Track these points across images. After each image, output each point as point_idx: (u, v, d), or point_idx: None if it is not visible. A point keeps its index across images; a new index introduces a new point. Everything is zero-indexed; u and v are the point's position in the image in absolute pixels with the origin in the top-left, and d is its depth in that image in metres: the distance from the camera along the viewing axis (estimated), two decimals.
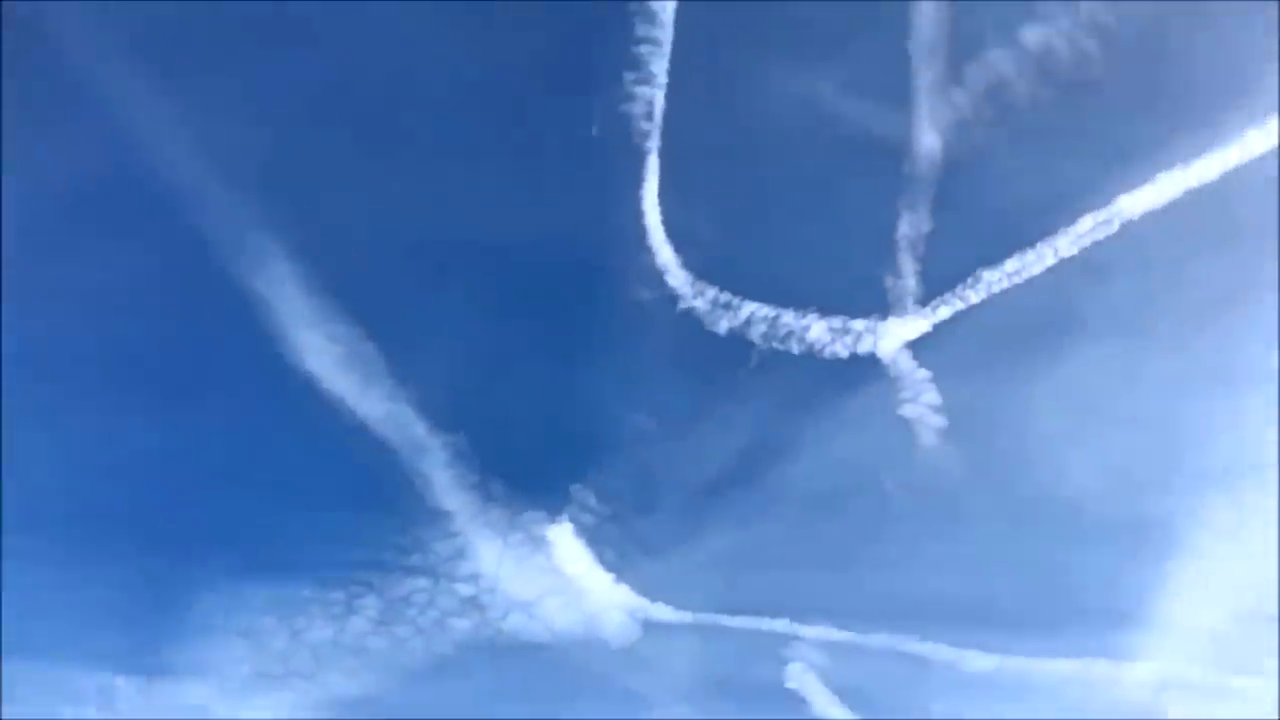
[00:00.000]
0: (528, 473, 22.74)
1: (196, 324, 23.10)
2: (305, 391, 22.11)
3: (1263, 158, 18.89)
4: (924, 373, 21.28)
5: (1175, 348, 20.61)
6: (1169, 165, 19.36)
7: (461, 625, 22.62)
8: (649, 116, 21.39)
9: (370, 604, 22.52)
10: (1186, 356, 20.47)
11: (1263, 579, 19.15)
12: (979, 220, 20.99)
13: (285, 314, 22.11)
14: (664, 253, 21.95)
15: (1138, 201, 19.63)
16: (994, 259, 20.58)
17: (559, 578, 22.41)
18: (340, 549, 22.80)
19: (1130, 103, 19.85)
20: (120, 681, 22.17)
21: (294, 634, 22.50)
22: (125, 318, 22.53)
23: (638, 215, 21.85)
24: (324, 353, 22.12)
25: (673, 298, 21.99)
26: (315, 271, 21.65)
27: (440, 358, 22.13)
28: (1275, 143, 18.73)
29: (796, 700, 21.19)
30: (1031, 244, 20.37)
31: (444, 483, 22.46)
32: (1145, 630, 19.95)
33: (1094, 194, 19.92)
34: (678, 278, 22.00)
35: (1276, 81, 18.72)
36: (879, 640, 21.33)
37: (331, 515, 22.78)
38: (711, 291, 21.86)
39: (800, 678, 21.40)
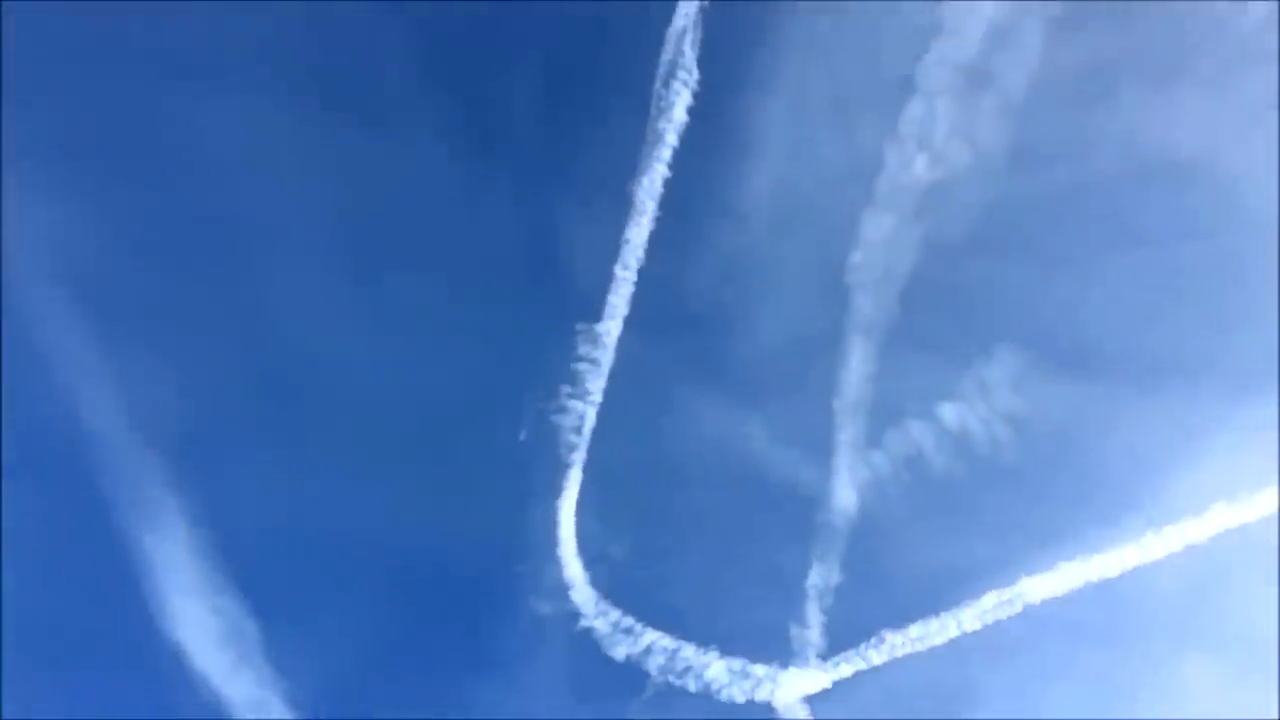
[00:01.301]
0: None
1: (68, 570, 21.89)
2: (171, 662, 20.87)
3: (1158, 563, 19.67)
4: None
5: None
6: (1071, 556, 20.04)
7: None
8: (578, 430, 21.70)
9: None
10: None
11: None
12: (887, 581, 21.27)
13: (168, 575, 21.14)
14: (572, 567, 21.71)
15: (1039, 586, 20.15)
16: (898, 622, 20.70)
17: None
18: None
19: (1039, 490, 20.70)
20: None
21: None
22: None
23: (552, 526, 21.75)
24: (201, 624, 21.02)
25: (574, 615, 21.59)
26: (210, 540, 20.94)
27: (322, 649, 21.11)
28: (1171, 550, 19.60)
29: None
30: (936, 613, 20.59)
31: None
32: None
33: (998, 573, 20.42)
34: (582, 594, 21.67)
35: (1177, 489, 19.79)
36: None
37: None
38: (615, 614, 21.50)
39: None
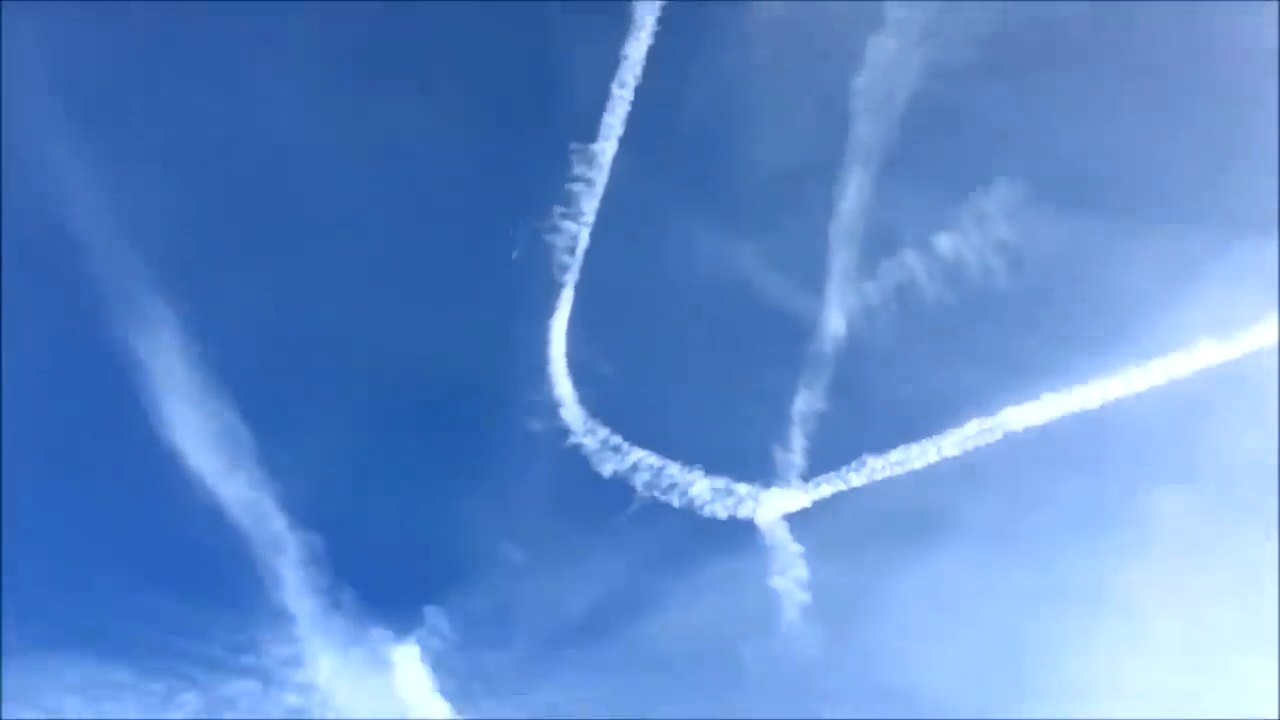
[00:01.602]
0: (383, 587, 21.97)
1: (64, 375, 22.15)
2: (165, 463, 21.27)
3: (1141, 395, 19.87)
4: (797, 547, 21.44)
5: (1036, 562, 21.14)
6: (1055, 386, 20.23)
7: None
8: (571, 251, 21.63)
9: (191, 700, 21.16)
10: (1046, 572, 21.01)
11: None
12: (871, 407, 21.55)
13: (162, 380, 21.40)
14: (562, 385, 21.95)
15: (1022, 415, 20.40)
16: (880, 447, 21.02)
17: (396, 702, 21.46)
18: (170, 635, 21.48)
19: (1028, 322, 20.78)
20: None
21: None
22: None
23: (543, 344, 21.90)
24: (196, 427, 21.36)
25: (563, 431, 21.92)
26: (202, 345, 21.11)
27: (314, 456, 21.48)
28: (1154, 383, 19.78)
29: None
30: (917, 439, 20.91)
31: (293, 583, 21.49)
32: None
33: (982, 401, 20.64)
34: (572, 412, 21.97)
35: (1166, 323, 19.87)
36: None
37: (166, 598, 21.57)
38: (603, 432, 21.84)
39: None
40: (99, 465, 22.14)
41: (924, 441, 20.90)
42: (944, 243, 20.82)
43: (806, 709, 21.50)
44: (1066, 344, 20.45)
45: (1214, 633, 19.68)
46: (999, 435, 20.50)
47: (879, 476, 21.05)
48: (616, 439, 21.81)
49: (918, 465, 20.89)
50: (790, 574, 21.45)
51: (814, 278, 21.36)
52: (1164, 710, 19.21)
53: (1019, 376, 20.43)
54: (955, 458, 20.71)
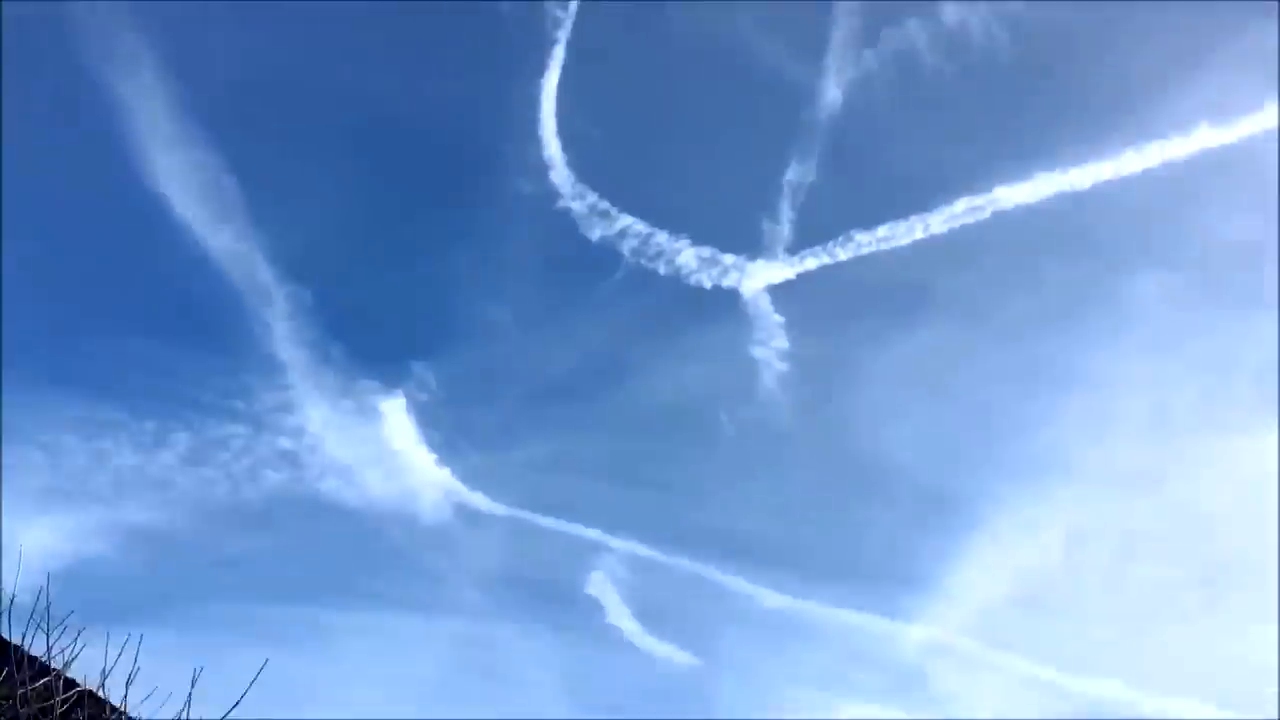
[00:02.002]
0: (371, 340, 22.35)
1: (50, 124, 21.72)
2: (154, 212, 21.17)
3: (1132, 179, 19.74)
4: (779, 318, 21.70)
5: (1012, 342, 21.58)
6: (1049, 166, 20.06)
7: (275, 478, 22.11)
8: (564, 6, 20.96)
9: (182, 440, 21.79)
10: (1020, 352, 21.48)
11: (1042, 570, 20.41)
12: (862, 181, 21.49)
13: (148, 128, 21.01)
14: (552, 147, 21.64)
15: (1013, 194, 20.30)
16: (868, 222, 20.92)
17: (383, 450, 22.11)
18: (161, 379, 21.90)
19: (1027, 100, 20.51)
20: None
21: (96, 456, 21.64)
22: None
23: (534, 104, 21.47)
24: (182, 177, 21.11)
25: (552, 194, 21.74)
26: (189, 92, 20.57)
27: (303, 210, 21.45)
28: (1149, 166, 19.63)
29: (593, 606, 21.46)
30: (906, 215, 20.83)
31: (282, 333, 21.69)
32: (928, 596, 21.04)
33: (974, 178, 20.49)
34: (561, 175, 21.75)
35: (1166, 106, 19.57)
36: (682, 564, 21.79)
37: (157, 343, 21.94)
38: (591, 196, 21.68)
39: (600, 586, 21.70)
40: (89, 212, 22.01)
41: (912, 218, 20.78)
42: (950, 11, 20.23)
43: (774, 476, 22.35)
44: (1064, 122, 20.28)
45: (1178, 415, 20.31)
46: (988, 214, 20.37)
47: (865, 252, 21.05)
48: (605, 204, 21.63)
49: (904, 242, 20.86)
50: (771, 344, 21.74)
51: (813, 45, 20.78)
52: (1124, 487, 20.05)
53: (1013, 154, 20.33)
54: (942, 235, 20.71)
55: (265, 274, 21.52)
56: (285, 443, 21.81)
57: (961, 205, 20.56)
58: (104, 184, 21.74)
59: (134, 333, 21.80)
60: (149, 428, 21.59)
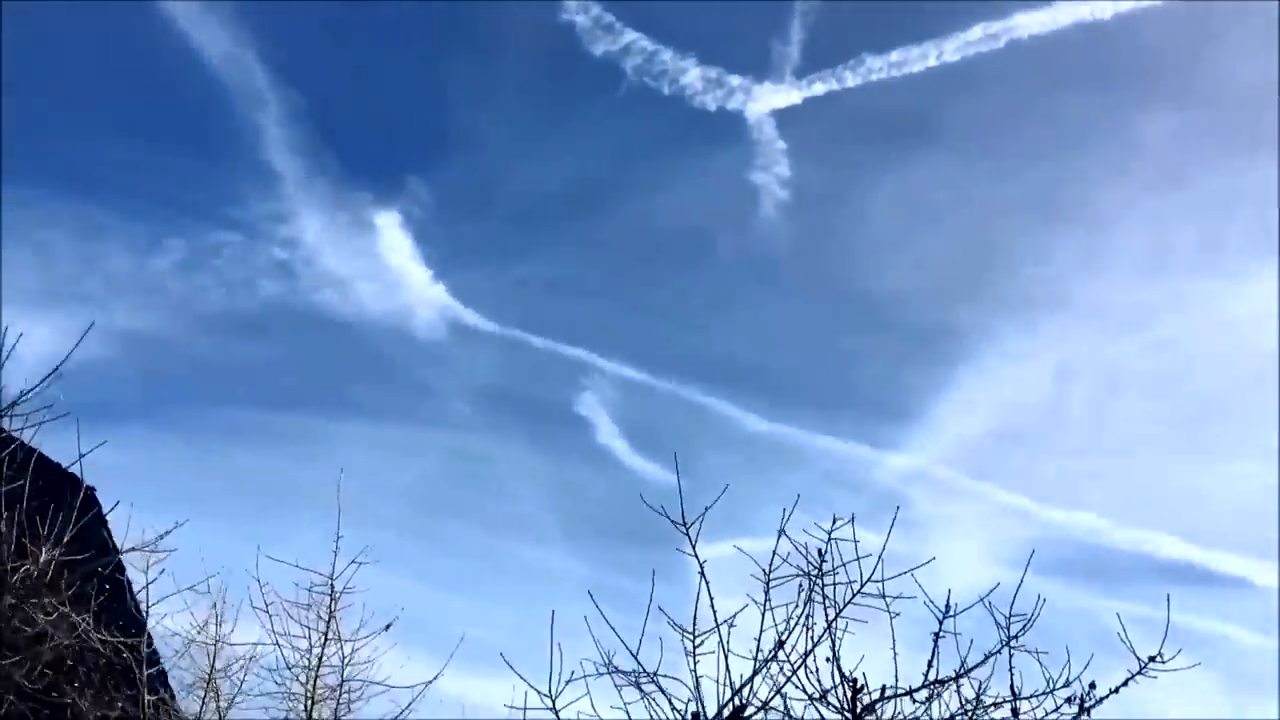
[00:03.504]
0: (367, 151, 21.78)
1: None
2: (145, 11, 20.13)
3: (1152, 11, 19.28)
4: (783, 144, 21.37)
5: (1017, 175, 21.53)
6: None
7: (269, 288, 21.91)
8: None
9: (176, 245, 21.43)
10: (1025, 185, 21.43)
11: (1027, 404, 21.00)
12: (876, 4, 20.82)
13: None
14: None
15: (1030, 22, 19.78)
16: (880, 47, 20.31)
17: (377, 263, 21.89)
18: (153, 183, 21.29)
19: None
20: None
21: (89, 258, 21.26)
22: None
23: None
24: None
25: (555, 6, 20.92)
26: None
27: (300, 10, 20.34)
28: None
29: (583, 425, 21.79)
30: (919, 41, 20.30)
31: (276, 141, 20.99)
32: (911, 427, 21.60)
33: (993, 5, 19.92)
34: None
35: None
36: (671, 387, 22.05)
37: (150, 145, 21.16)
38: (595, 9, 20.88)
39: (590, 406, 21.98)
40: (78, 10, 20.77)
41: (926, 44, 20.22)
42: None
43: (773, 302, 22.50)
44: None
45: (1176, 254, 20.54)
46: (1003, 43, 19.90)
47: (875, 78, 20.60)
48: (609, 18, 20.84)
49: (916, 69, 20.36)
50: (773, 171, 21.46)
51: None
52: (1116, 323, 20.40)
53: None
54: (955, 63, 20.25)
55: (259, 78, 20.65)
56: (280, 253, 21.56)
57: (977, 32, 19.96)
58: None
59: (125, 134, 20.97)
60: (142, 231, 21.26)
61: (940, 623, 5.71)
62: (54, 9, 19.50)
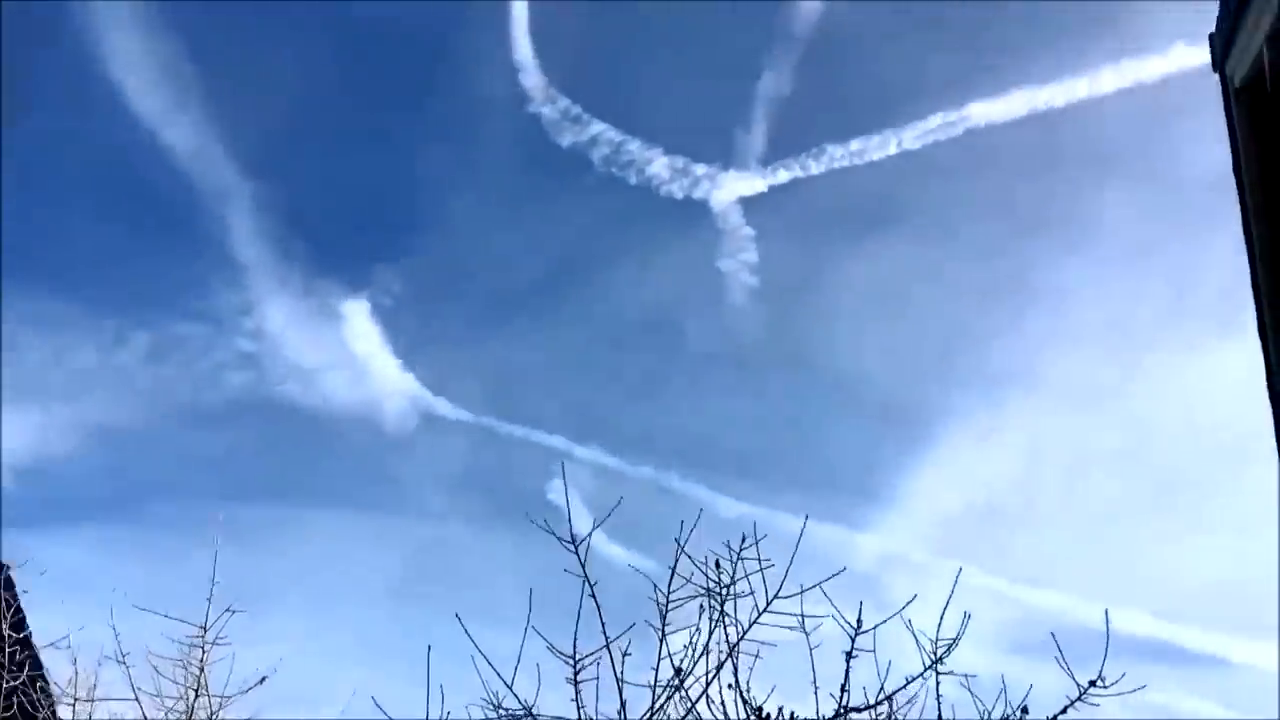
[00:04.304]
0: (334, 240, 21.78)
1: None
2: (109, 100, 20.24)
3: (1109, 96, 19.48)
4: (749, 230, 21.40)
5: (979, 257, 21.48)
6: (1020, 83, 19.76)
7: (236, 379, 21.66)
8: None
9: (141, 339, 21.24)
10: (987, 268, 21.39)
11: (997, 482, 20.53)
12: (837, 95, 21.08)
13: (101, 14, 20.01)
14: (524, 49, 20.99)
15: (987, 110, 20.01)
16: (841, 136, 20.57)
17: (346, 353, 21.67)
18: (120, 274, 21.31)
19: (1004, 15, 20.07)
20: None
21: (54, 352, 21.01)
22: None
23: (506, 5, 20.74)
24: (139, 64, 20.20)
25: (523, 98, 21.13)
26: None
27: (267, 101, 20.55)
28: (1124, 85, 19.37)
29: (555, 513, 21.16)
30: (879, 129, 20.51)
31: (243, 231, 21.03)
32: (884, 507, 21.07)
33: (949, 93, 20.11)
34: (533, 79, 21.12)
35: (1141, 23, 19.21)
36: (644, 472, 21.56)
37: (115, 238, 21.14)
38: (564, 101, 21.11)
39: (561, 493, 21.32)
40: (43, 100, 20.98)
41: (886, 132, 20.46)
42: None
43: (738, 387, 22.24)
44: (1041, 39, 19.91)
45: (1138, 331, 20.38)
46: (961, 131, 20.11)
47: (838, 165, 20.74)
48: (577, 110, 21.08)
49: (877, 156, 20.55)
50: (740, 257, 21.48)
51: None
52: (1082, 400, 20.18)
53: (989, 70, 19.95)
54: (915, 151, 20.41)
55: (226, 169, 20.75)
56: (246, 344, 21.36)
57: (936, 120, 20.20)
58: (58, 71, 20.81)
59: (90, 227, 21.03)
60: (108, 325, 21.04)
61: (852, 640, 5.23)
62: (17, 101, 19.63)
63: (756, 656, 5.29)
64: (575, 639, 5.43)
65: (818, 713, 5.10)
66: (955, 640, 5.39)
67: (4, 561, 9.96)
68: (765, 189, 21.08)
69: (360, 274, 21.63)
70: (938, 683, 5.32)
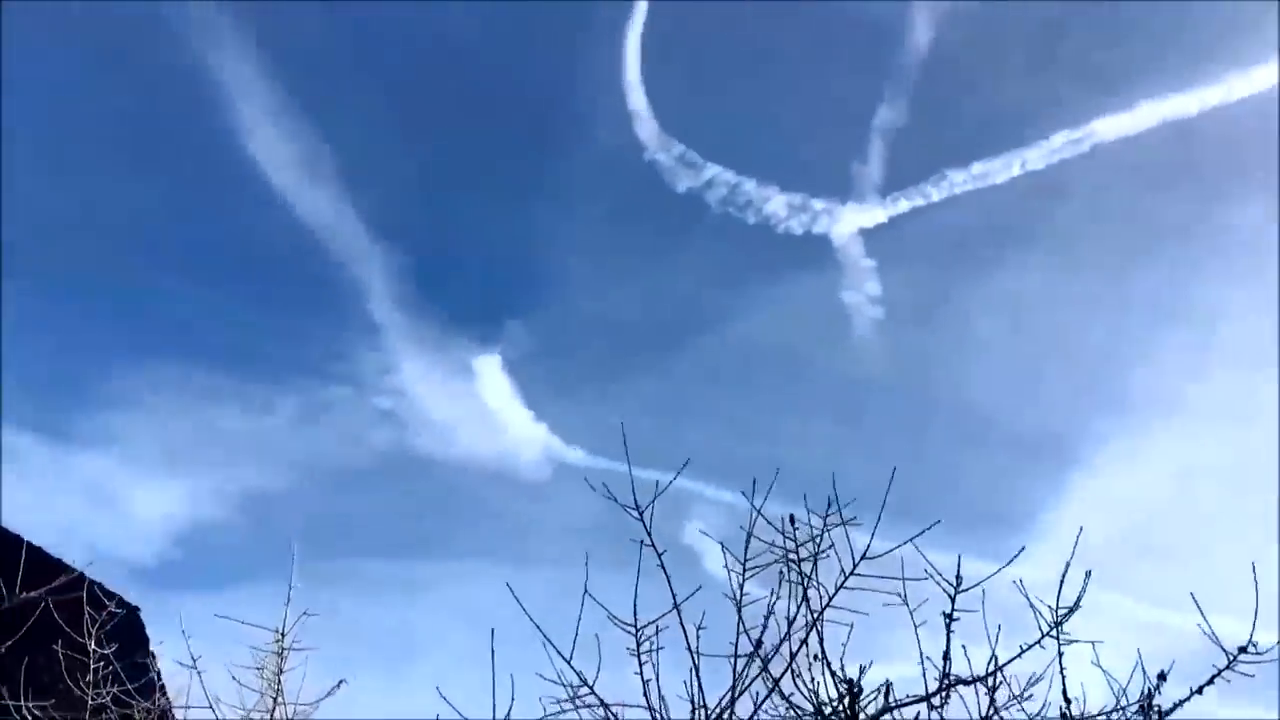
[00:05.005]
0: (464, 298, 22.08)
1: (147, 96, 21.76)
2: (250, 180, 21.13)
3: (1237, 105, 18.41)
4: (871, 262, 20.83)
5: (1113, 276, 20.38)
6: (1149, 95, 18.84)
7: (378, 437, 22.10)
8: None
9: (289, 404, 21.91)
10: (1121, 287, 20.26)
11: (1148, 506, 19.17)
12: (955, 120, 20.41)
13: (241, 99, 20.95)
14: (637, 98, 21.12)
15: (1112, 126, 19.12)
16: (961, 161, 19.88)
17: (480, 407, 21.88)
18: (266, 344, 22.05)
19: (1127, 27, 19.26)
20: (25, 440, 21.36)
21: (206, 421, 21.82)
22: (80, 88, 21.27)
23: (618, 56, 20.96)
24: (277, 146, 21.04)
25: (638, 147, 21.21)
26: (278, 61, 20.34)
27: (396, 171, 21.22)
28: (1255, 91, 18.26)
29: (690, 556, 20.77)
30: (1001, 152, 19.78)
31: (379, 296, 21.53)
32: (1030, 539, 19.73)
33: (1071, 112, 19.31)
34: (646, 128, 21.20)
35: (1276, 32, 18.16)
36: (776, 509, 20.93)
37: (261, 309, 21.98)
38: (677, 147, 21.07)
39: (696, 535, 20.94)
40: (187, 184, 21.99)
41: (1008, 154, 19.73)
42: None
43: (876, 419, 21.47)
44: (1166, 49, 18.94)
45: None
46: (1087, 147, 19.26)
47: (959, 191, 20.06)
48: (692, 154, 21.01)
49: (1000, 179, 19.78)
50: (864, 289, 20.90)
51: None
52: (1231, 420, 18.76)
53: (1112, 85, 19.07)
54: (1039, 171, 19.59)
55: (359, 236, 21.36)
56: (386, 403, 21.79)
57: (1060, 139, 19.41)
58: (202, 156, 21.77)
59: (237, 300, 21.83)
60: (257, 393, 21.76)
61: (952, 599, 4.68)
62: (156, 187, 20.70)
63: (850, 626, 4.82)
64: (635, 603, 5.06)
65: (925, 686, 4.57)
66: (1076, 603, 4.81)
67: (134, 604, 10.09)
68: (885, 219, 20.51)
69: (490, 329, 21.89)
70: (1060, 652, 4.73)
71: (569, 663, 5.02)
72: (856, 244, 20.69)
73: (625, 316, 22.09)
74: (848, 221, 20.64)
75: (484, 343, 22.07)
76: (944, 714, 4.57)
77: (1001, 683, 4.54)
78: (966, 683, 4.58)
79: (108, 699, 7.48)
